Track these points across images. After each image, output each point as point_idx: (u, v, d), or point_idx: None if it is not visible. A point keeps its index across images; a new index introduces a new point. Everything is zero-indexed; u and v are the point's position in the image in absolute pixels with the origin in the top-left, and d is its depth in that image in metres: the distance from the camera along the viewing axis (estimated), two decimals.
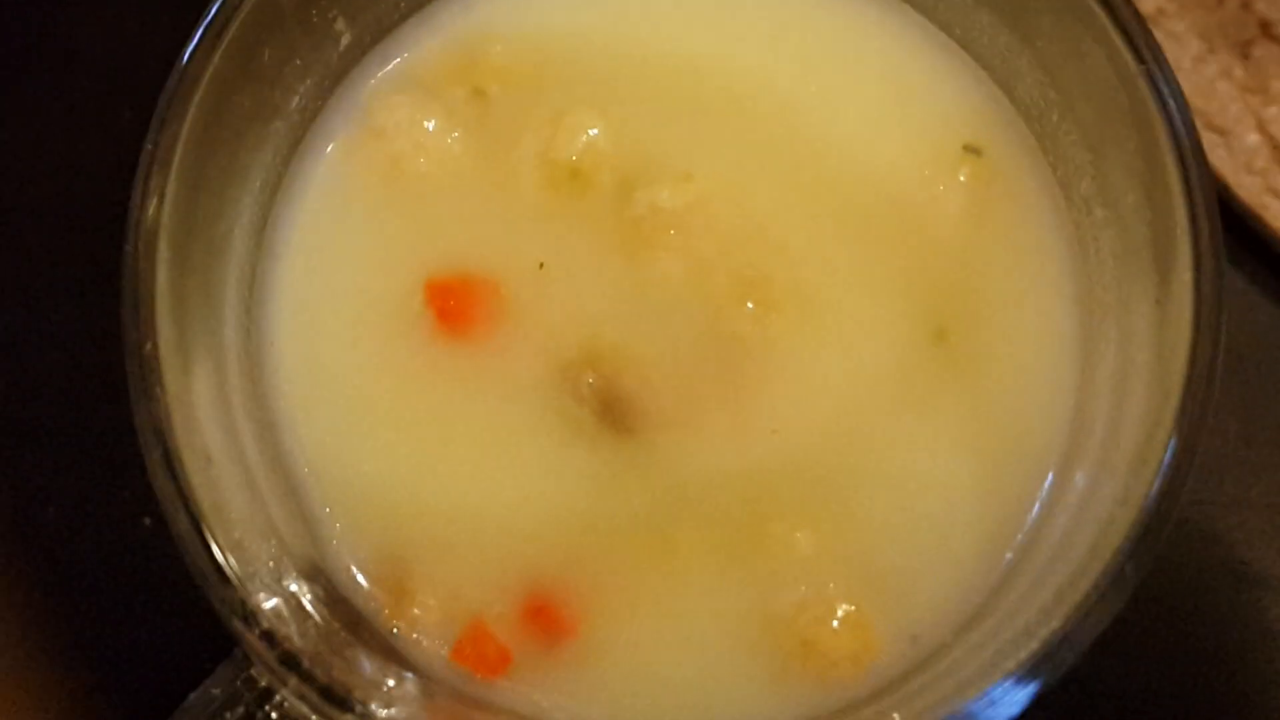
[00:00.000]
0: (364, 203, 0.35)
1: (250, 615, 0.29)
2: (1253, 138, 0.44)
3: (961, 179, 0.35)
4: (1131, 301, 0.32)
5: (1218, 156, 0.44)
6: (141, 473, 0.30)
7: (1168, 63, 0.29)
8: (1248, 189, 0.43)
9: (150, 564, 0.41)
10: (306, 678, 0.29)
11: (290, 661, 0.29)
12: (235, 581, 0.29)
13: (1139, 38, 0.29)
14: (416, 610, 0.34)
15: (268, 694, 0.30)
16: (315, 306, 0.35)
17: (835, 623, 0.33)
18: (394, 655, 0.33)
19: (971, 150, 0.35)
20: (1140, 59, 0.29)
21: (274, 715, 0.30)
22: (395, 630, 0.34)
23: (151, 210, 0.30)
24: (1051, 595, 0.30)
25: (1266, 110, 0.44)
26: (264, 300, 0.35)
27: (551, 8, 0.35)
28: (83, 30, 0.44)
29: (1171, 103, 0.29)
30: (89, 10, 0.44)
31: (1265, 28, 0.44)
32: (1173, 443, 0.29)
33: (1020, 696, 0.29)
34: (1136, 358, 0.32)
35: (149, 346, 0.29)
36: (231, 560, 0.29)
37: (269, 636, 0.29)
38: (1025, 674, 0.29)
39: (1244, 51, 0.45)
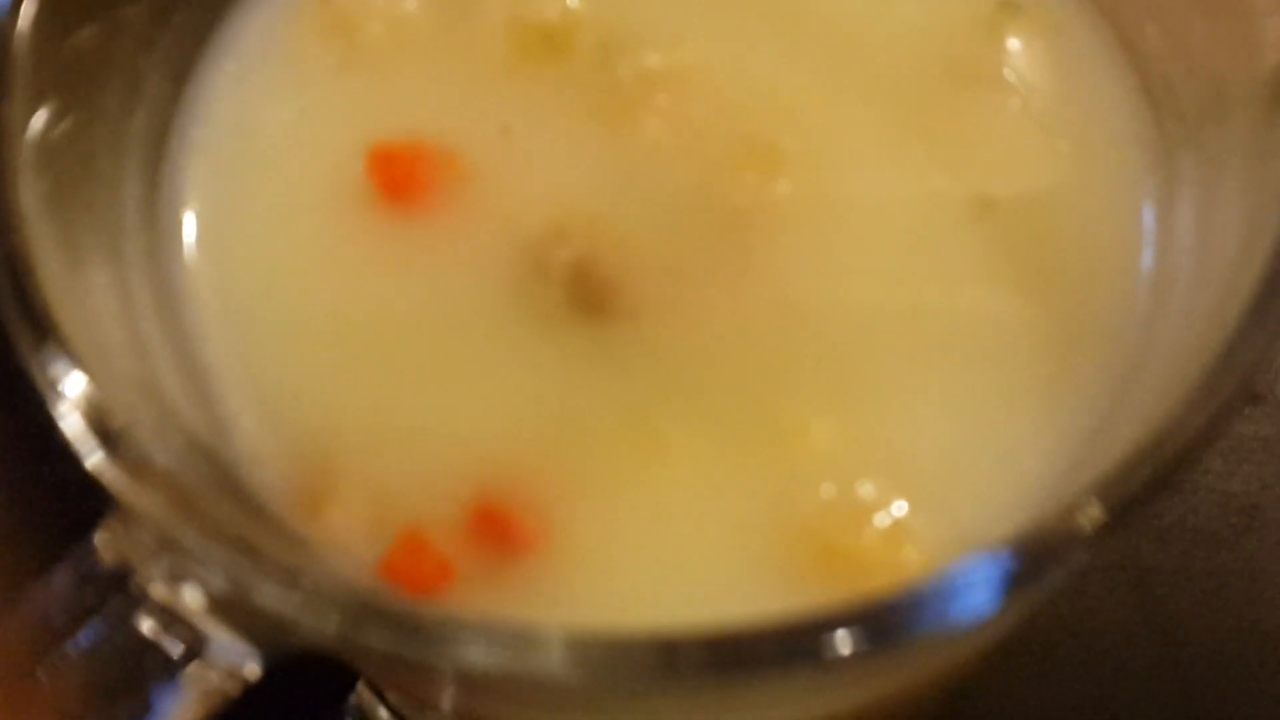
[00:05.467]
0: (304, 67, 0.30)
1: (117, 435, 0.23)
2: None
3: (999, 34, 0.30)
4: (1211, 126, 0.27)
5: None
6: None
7: None
8: None
9: None
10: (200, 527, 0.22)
11: (176, 502, 0.22)
12: (98, 399, 0.23)
13: None
14: (338, 514, 0.27)
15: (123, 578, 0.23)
16: (238, 173, 0.30)
17: (872, 528, 0.26)
18: (305, 556, 0.26)
19: (1007, 4, 0.30)
20: None
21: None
22: (310, 537, 0.27)
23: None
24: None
25: None
26: (178, 160, 0.30)
27: None
28: None
29: None
30: None
31: None
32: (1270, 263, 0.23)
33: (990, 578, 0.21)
34: (1224, 189, 0.26)
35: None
36: (101, 391, 0.23)
37: (139, 464, 0.22)
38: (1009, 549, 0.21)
39: None
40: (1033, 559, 0.21)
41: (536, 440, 0.27)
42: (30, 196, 0.25)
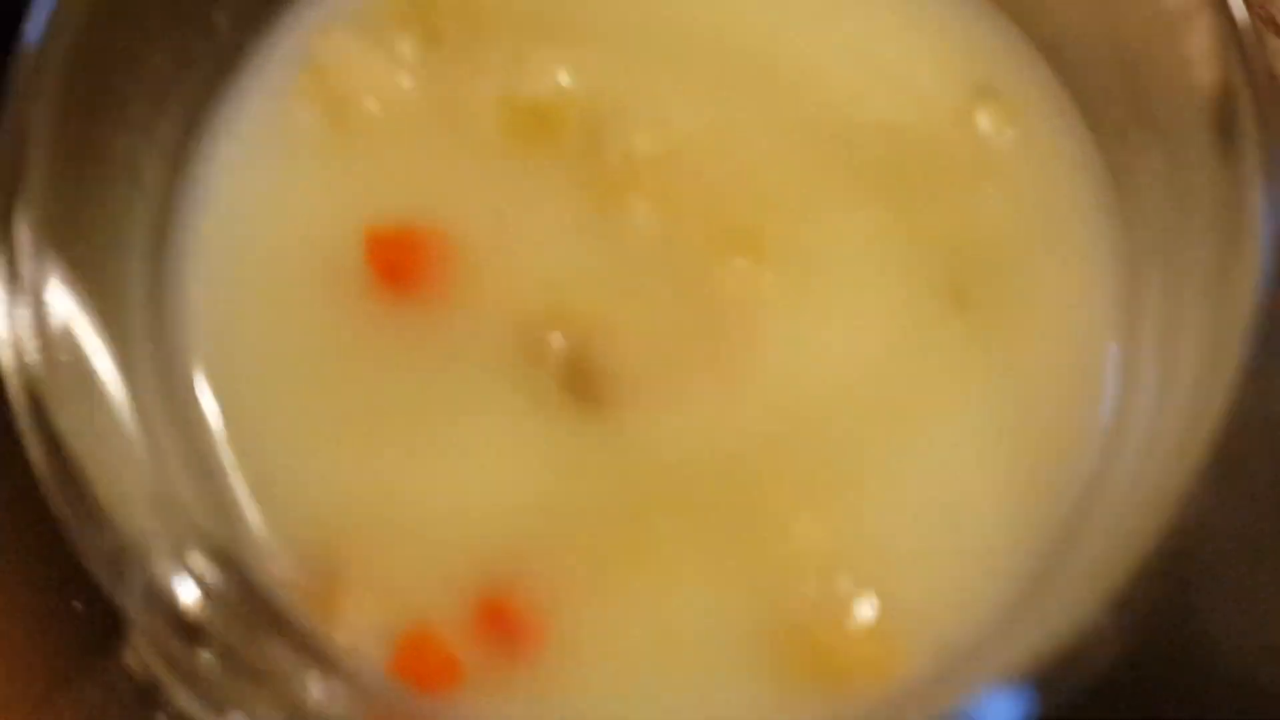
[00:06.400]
0: (301, 147, 0.31)
1: (136, 572, 0.24)
2: None
3: (975, 122, 0.31)
4: (1179, 229, 0.28)
5: None
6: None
7: None
8: None
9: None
10: (220, 655, 0.23)
11: (192, 634, 0.23)
12: (119, 532, 0.24)
13: None
14: (349, 612, 0.28)
15: (151, 693, 0.24)
16: (238, 259, 0.30)
17: (851, 624, 0.28)
18: (321, 663, 0.27)
19: (984, 90, 0.31)
20: None
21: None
22: (323, 635, 0.28)
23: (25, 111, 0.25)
24: (1087, 587, 0.25)
25: None
26: (179, 246, 0.30)
27: None
28: None
29: None
30: None
31: None
32: (1238, 361, 0.24)
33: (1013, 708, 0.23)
34: (1188, 293, 0.28)
35: (16, 258, 0.24)
36: (117, 515, 0.24)
37: (162, 601, 0.24)
38: (1028, 681, 0.23)
39: None
40: (1049, 690, 0.23)
41: (534, 532, 0.29)
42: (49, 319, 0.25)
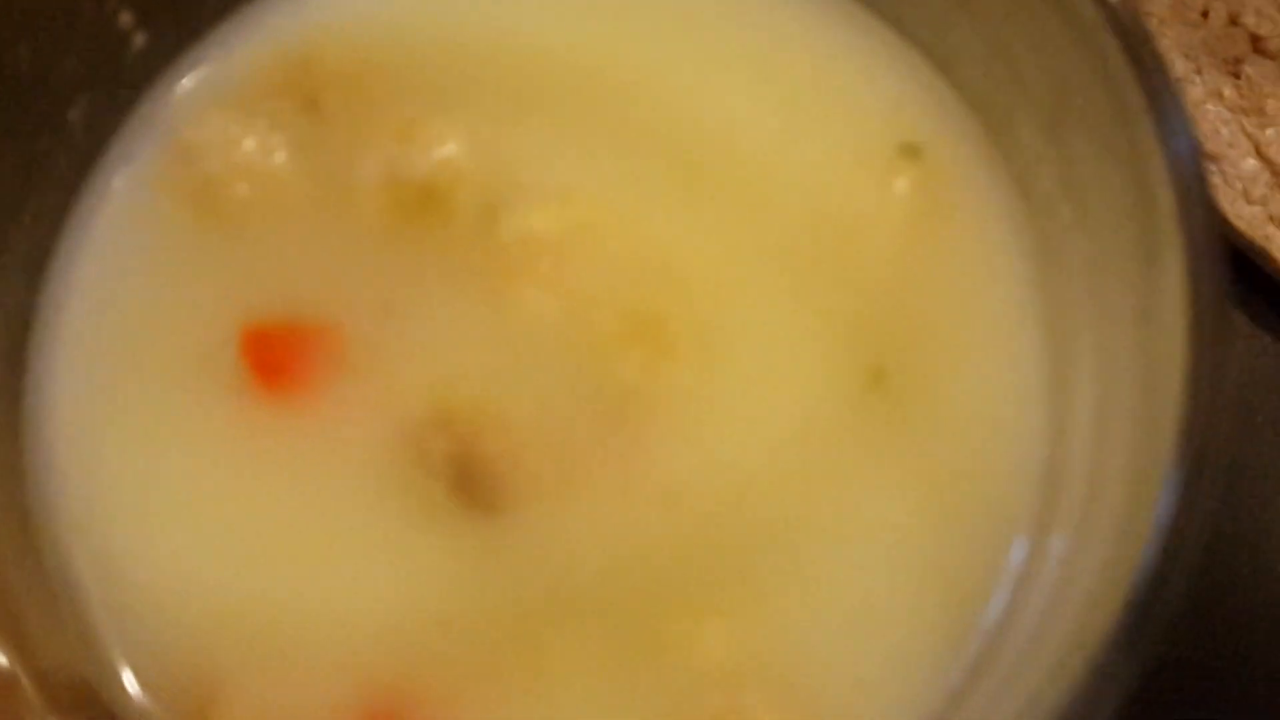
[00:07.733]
0: (169, 238, 0.29)
1: None
2: (1249, 163, 0.39)
3: (898, 186, 0.29)
4: (1110, 320, 0.26)
5: (1211, 186, 0.39)
6: None
7: (1137, 8, 0.23)
8: (1247, 220, 0.38)
9: None
10: None
11: None
12: None
13: None
14: None
15: None
16: (103, 363, 0.28)
17: None
18: None
19: (909, 150, 0.29)
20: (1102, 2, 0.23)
21: None
22: None
23: None
24: (1025, 699, 0.23)
25: (1263, 132, 0.39)
26: (39, 356, 0.28)
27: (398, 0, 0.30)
28: None
29: (1146, 55, 0.23)
30: None
31: (1256, 43, 0.39)
32: (1166, 493, 0.22)
33: None
34: (1119, 389, 0.25)
35: None
36: None
37: None
38: None
39: (1234, 69, 0.40)
40: None
41: (422, 645, 0.27)
42: None
